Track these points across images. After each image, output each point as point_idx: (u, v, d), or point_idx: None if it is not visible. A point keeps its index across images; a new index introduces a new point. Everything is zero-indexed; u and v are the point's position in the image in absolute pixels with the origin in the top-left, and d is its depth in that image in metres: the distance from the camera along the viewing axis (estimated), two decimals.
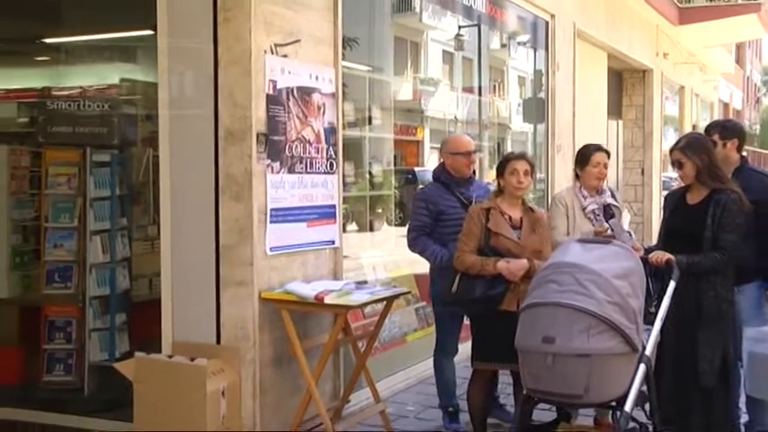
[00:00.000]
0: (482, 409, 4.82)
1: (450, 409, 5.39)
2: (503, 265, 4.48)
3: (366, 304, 5.14)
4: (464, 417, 5.24)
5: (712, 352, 4.47)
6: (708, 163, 4.57)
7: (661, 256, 4.42)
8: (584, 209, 5.14)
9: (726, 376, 4.56)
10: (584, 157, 5.27)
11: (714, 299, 4.48)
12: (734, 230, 4.44)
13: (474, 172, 5.45)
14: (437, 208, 5.21)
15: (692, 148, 4.64)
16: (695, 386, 4.51)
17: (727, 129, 4.96)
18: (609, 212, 5.17)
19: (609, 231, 4.97)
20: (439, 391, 5.44)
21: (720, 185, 4.54)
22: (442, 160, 5.49)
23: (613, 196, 5.39)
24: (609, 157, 5.39)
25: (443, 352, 5.40)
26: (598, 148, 5.39)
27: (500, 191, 4.81)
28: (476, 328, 4.76)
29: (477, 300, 4.52)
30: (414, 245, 5.33)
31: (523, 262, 4.53)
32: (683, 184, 4.82)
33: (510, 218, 4.69)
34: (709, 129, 5.03)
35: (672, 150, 4.78)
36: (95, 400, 5.59)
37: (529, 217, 4.76)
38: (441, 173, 5.39)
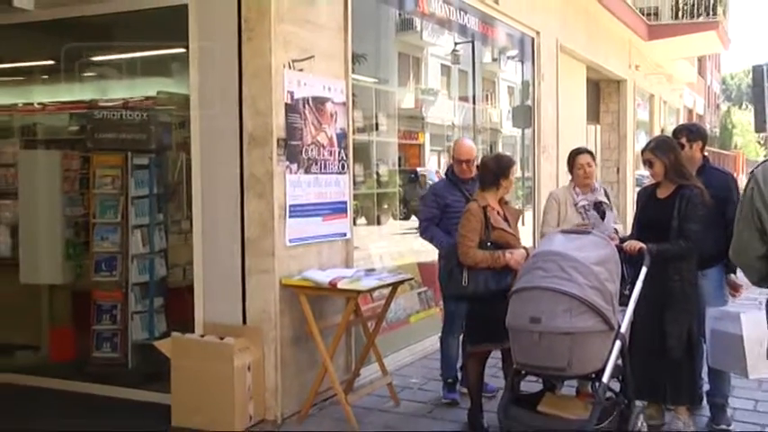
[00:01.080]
0: (478, 382, 4.77)
1: (450, 380, 5.35)
2: (510, 256, 4.44)
3: (374, 289, 5.10)
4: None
5: (679, 329, 4.46)
6: (674, 162, 4.58)
7: (634, 244, 4.41)
8: (575, 204, 5.14)
9: (691, 350, 4.54)
10: (570, 161, 5.30)
11: (680, 282, 4.46)
12: (696, 221, 4.43)
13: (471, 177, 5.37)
14: (444, 201, 5.25)
15: (660, 149, 4.65)
16: (664, 359, 4.49)
17: (693, 132, 4.90)
18: (600, 209, 5.11)
19: (587, 222, 4.97)
20: (442, 365, 5.41)
21: (685, 182, 4.55)
22: (450, 165, 5.55)
23: (606, 195, 5.34)
24: (593, 157, 5.34)
25: (449, 332, 5.35)
26: (579, 151, 5.34)
27: (487, 189, 4.71)
28: (469, 315, 4.71)
29: (494, 292, 4.40)
30: (425, 232, 5.35)
31: (523, 251, 4.53)
32: (653, 181, 4.77)
33: (498, 212, 4.65)
34: (676, 132, 4.97)
35: (643, 151, 4.79)
36: (137, 374, 5.58)
37: (508, 209, 4.75)
38: (450, 172, 5.45)
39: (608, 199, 5.33)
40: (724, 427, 4.70)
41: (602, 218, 5.11)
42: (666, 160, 4.56)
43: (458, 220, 4.85)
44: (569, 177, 5.37)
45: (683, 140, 4.80)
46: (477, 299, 4.54)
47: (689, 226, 4.41)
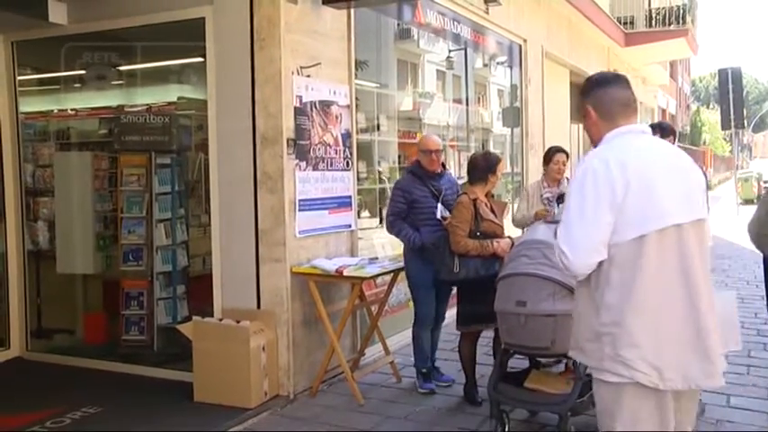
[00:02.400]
0: (472, 360, 4.72)
1: (424, 370, 5.01)
2: (497, 245, 4.41)
3: (377, 276, 5.03)
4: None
5: None
6: None
7: None
8: (541, 195, 5.24)
9: None
10: (548, 157, 5.41)
11: None
12: None
13: (443, 166, 5.06)
14: (411, 197, 4.85)
15: None
16: None
17: (665, 129, 4.89)
18: (562, 200, 5.02)
19: (549, 211, 5.07)
20: (416, 356, 5.05)
21: None
22: (416, 158, 5.05)
23: None
24: (567, 157, 5.49)
25: (420, 324, 4.99)
26: (558, 150, 5.45)
27: (476, 183, 4.66)
28: (461, 299, 4.64)
29: (483, 277, 4.36)
30: (391, 227, 4.97)
31: (508, 240, 4.51)
32: None
33: (486, 204, 4.61)
34: (650, 128, 4.84)
35: None
36: (163, 355, 5.53)
37: (495, 203, 4.73)
38: (415, 167, 4.99)
39: None
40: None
41: None
42: None
43: (425, 216, 4.79)
44: (542, 171, 5.49)
45: (657, 136, 4.67)
46: (468, 284, 4.50)
47: None
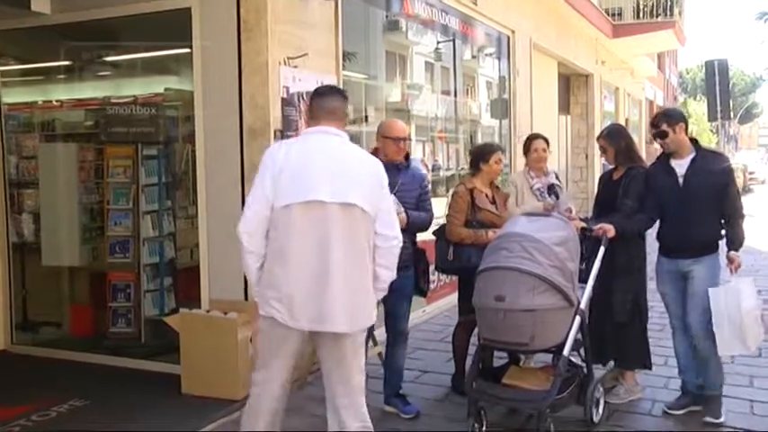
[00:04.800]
0: (464, 350, 4.71)
1: (401, 391, 4.46)
2: (492, 234, 4.34)
3: None
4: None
5: (623, 296, 4.38)
6: (624, 148, 4.54)
7: (606, 227, 4.26)
8: (531, 187, 4.95)
9: (638, 316, 4.46)
10: (527, 145, 5.06)
11: (626, 254, 4.38)
12: (632, 197, 4.36)
13: (407, 158, 4.37)
14: None
15: (611, 136, 4.62)
16: (610, 325, 4.42)
17: (672, 116, 4.26)
18: (553, 191, 5.00)
19: (551, 203, 4.84)
20: (388, 380, 4.42)
21: (634, 164, 4.49)
22: (376, 146, 4.41)
23: (557, 177, 5.19)
24: (547, 143, 5.10)
25: (394, 343, 4.36)
26: (536, 136, 5.16)
27: (475, 173, 4.69)
28: (462, 288, 4.63)
29: (475, 265, 4.27)
30: None
31: None
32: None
33: (487, 195, 4.60)
34: (656, 121, 4.33)
35: (597, 138, 4.73)
36: (150, 347, 5.51)
37: (498, 193, 4.70)
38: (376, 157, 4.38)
39: (559, 181, 5.17)
40: (710, 419, 4.17)
41: (557, 199, 4.96)
42: (617, 146, 4.53)
43: None
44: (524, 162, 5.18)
45: (664, 127, 4.18)
46: (465, 272, 4.49)
47: (625, 202, 4.36)
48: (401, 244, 3.18)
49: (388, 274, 3.15)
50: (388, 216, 3.12)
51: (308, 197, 2.93)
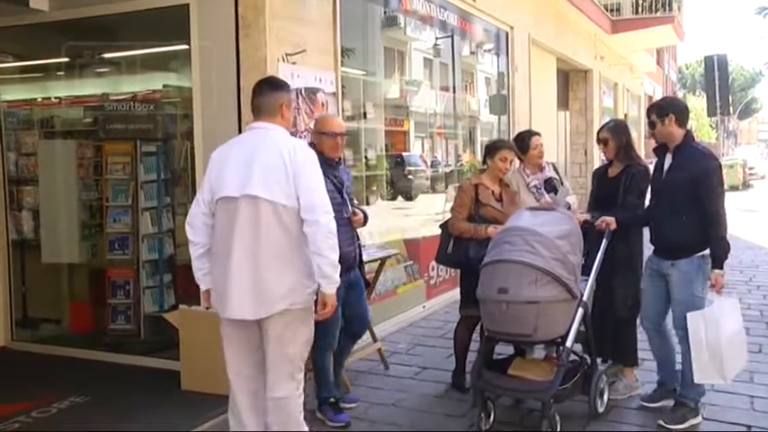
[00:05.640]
0: (465, 346, 4.72)
1: (332, 399, 4.28)
2: (492, 230, 4.34)
3: (365, 263, 4.99)
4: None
5: (624, 292, 4.38)
6: (625, 144, 4.53)
7: (608, 221, 4.28)
8: (527, 185, 4.85)
9: (635, 313, 4.45)
10: (525, 143, 4.90)
11: (626, 249, 4.38)
12: (635, 194, 4.37)
13: (340, 156, 4.27)
14: None
15: (616, 129, 4.61)
16: (610, 321, 4.41)
17: (662, 107, 4.12)
18: (550, 185, 4.97)
19: (553, 200, 4.81)
20: (319, 384, 4.26)
21: (632, 162, 4.48)
22: (312, 141, 4.20)
23: (555, 170, 5.09)
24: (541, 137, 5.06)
25: (321, 347, 4.01)
26: (533, 133, 5.06)
27: (483, 170, 4.70)
28: (463, 282, 4.64)
29: (471, 259, 4.35)
30: None
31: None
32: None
33: (493, 192, 4.59)
34: (648, 112, 4.27)
35: (600, 130, 4.67)
36: (149, 343, 5.52)
37: (507, 191, 4.68)
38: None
39: (557, 174, 5.08)
40: (662, 423, 4.02)
41: (555, 193, 4.90)
42: (619, 141, 4.53)
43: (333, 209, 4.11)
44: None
45: (654, 118, 4.07)
46: (462, 265, 4.53)
47: (629, 197, 4.37)
48: (328, 228, 3.06)
49: (322, 260, 3.08)
50: (308, 202, 3.09)
51: (222, 193, 3.18)
